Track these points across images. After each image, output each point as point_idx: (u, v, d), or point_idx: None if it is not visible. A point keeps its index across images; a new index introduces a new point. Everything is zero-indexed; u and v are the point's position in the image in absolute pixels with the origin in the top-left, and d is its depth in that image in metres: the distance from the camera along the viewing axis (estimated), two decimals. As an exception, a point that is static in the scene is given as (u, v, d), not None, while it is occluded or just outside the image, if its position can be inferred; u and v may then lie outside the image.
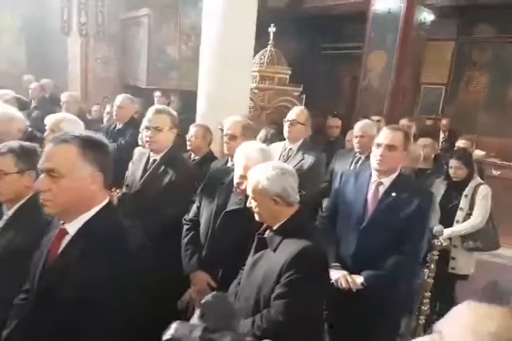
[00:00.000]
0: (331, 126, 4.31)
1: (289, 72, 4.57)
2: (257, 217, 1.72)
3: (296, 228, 1.66)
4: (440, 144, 6.21)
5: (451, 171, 3.16)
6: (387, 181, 2.20)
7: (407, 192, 2.16)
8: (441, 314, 2.95)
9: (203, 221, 2.10)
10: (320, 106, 6.43)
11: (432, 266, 2.67)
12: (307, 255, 1.57)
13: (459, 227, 3.07)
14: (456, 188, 3.16)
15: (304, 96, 4.69)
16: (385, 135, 2.19)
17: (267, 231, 1.73)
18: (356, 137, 3.11)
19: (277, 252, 1.64)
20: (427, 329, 3.26)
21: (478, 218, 3.04)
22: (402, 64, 5.78)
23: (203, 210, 2.14)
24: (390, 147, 2.15)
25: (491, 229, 3.12)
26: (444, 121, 6.28)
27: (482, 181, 3.16)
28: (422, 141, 3.51)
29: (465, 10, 6.62)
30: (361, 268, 2.14)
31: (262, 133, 3.39)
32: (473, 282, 4.11)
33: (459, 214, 3.10)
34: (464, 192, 3.11)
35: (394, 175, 2.21)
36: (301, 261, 1.56)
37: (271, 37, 4.48)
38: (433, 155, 3.50)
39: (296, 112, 2.90)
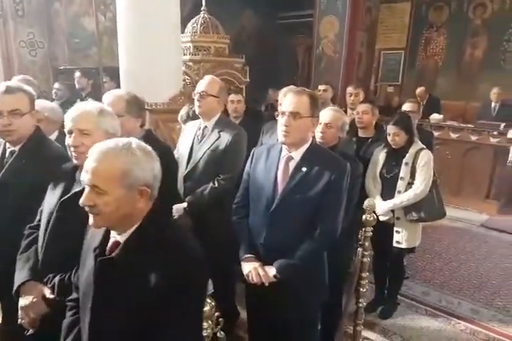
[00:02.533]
0: (274, 99, 3.93)
1: (228, 41, 4.12)
2: (97, 221, 1.19)
3: (157, 236, 1.19)
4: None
5: (389, 138, 2.83)
6: (297, 155, 1.86)
7: (319, 166, 1.83)
8: (391, 290, 2.72)
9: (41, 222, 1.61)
10: (274, 78, 6.00)
11: (366, 243, 2.38)
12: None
13: (401, 198, 2.77)
14: (395, 156, 2.84)
15: (247, 68, 4.25)
16: (288, 101, 1.83)
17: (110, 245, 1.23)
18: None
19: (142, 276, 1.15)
20: (371, 310, 3.07)
21: (420, 187, 2.73)
22: (355, 28, 5.34)
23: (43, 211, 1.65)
24: (295, 114, 1.79)
25: (435, 197, 2.82)
26: (418, 90, 5.90)
27: (423, 146, 2.83)
28: (360, 107, 3.15)
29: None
30: (274, 257, 1.83)
31: (183, 111, 2.98)
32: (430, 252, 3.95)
33: (400, 184, 2.79)
34: (404, 160, 2.79)
35: (304, 147, 1.87)
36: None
37: (203, 2, 3.99)
38: (374, 122, 3.15)
39: (206, 82, 2.45)
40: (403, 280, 3.13)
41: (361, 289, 2.43)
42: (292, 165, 1.85)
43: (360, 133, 3.19)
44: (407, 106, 3.53)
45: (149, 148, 1.29)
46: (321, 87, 4.08)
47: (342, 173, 1.84)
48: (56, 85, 4.99)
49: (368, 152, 3.05)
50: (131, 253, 1.17)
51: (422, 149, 2.80)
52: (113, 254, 1.19)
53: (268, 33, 6.78)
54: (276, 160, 1.89)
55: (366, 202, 2.30)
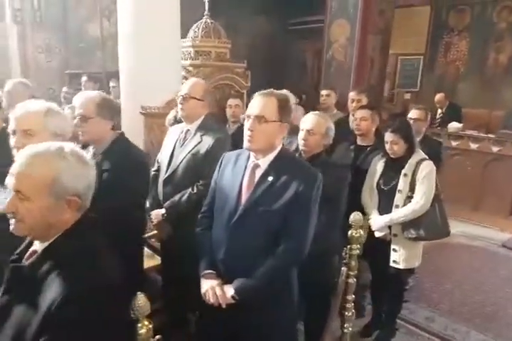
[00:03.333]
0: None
1: (229, 45, 3.96)
2: (18, 228, 1.09)
3: (72, 250, 1.08)
4: (437, 121, 5.59)
5: (387, 147, 2.55)
6: (264, 162, 1.65)
7: (287, 175, 1.61)
8: (388, 314, 2.42)
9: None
10: (285, 84, 5.79)
11: (353, 262, 2.11)
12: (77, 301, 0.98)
13: (398, 213, 2.47)
14: (394, 167, 2.56)
15: (249, 72, 4.07)
16: (254, 104, 1.63)
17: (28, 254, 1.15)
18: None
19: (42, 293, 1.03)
20: (367, 335, 2.76)
21: (419, 202, 2.43)
22: (366, 32, 5.08)
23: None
24: (260, 118, 1.58)
25: (438, 213, 2.51)
26: (437, 97, 5.58)
27: (425, 157, 2.53)
28: (359, 113, 2.89)
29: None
30: (234, 275, 1.62)
31: (170, 115, 2.83)
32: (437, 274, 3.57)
33: (398, 198, 2.50)
34: (403, 171, 2.50)
35: (272, 155, 1.66)
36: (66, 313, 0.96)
37: (206, 7, 3.86)
38: (373, 130, 2.88)
39: (189, 85, 2.30)
40: (402, 303, 2.81)
41: (346, 313, 2.15)
42: (258, 173, 1.65)
43: (359, 141, 2.92)
44: (413, 114, 3.24)
45: (84, 154, 1.16)
46: (323, 92, 3.84)
47: (311, 184, 1.61)
48: (64, 89, 5.01)
49: (366, 161, 2.78)
50: (41, 264, 1.07)
51: (423, 160, 2.51)
52: (26, 262, 1.12)
53: (279, 38, 6.60)
54: (243, 168, 1.69)
55: (352, 217, 2.04)
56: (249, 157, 1.69)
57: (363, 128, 2.86)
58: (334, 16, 5.26)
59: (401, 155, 2.53)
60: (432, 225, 2.48)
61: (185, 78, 3.69)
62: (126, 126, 3.20)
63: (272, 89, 1.69)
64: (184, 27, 3.84)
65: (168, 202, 2.24)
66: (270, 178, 1.62)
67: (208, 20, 3.92)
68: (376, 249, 2.56)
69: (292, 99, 4.19)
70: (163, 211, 2.24)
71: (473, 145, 4.92)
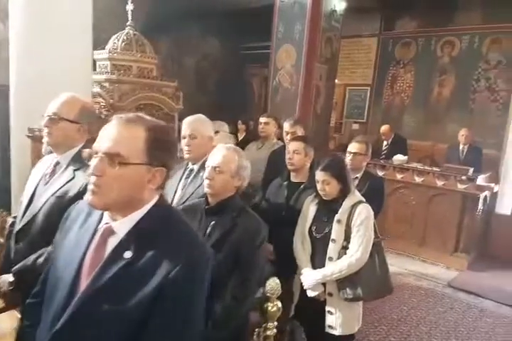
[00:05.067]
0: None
1: (155, 61, 3.45)
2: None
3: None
4: (383, 153, 5.29)
5: (318, 187, 2.10)
6: (122, 227, 1.01)
7: (156, 250, 0.98)
8: None
9: None
10: (230, 110, 5.36)
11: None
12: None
13: (332, 268, 1.99)
14: (327, 210, 2.10)
15: (180, 93, 3.57)
16: (104, 135, 1.05)
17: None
18: (184, 138, 2.04)
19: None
20: None
21: (355, 254, 1.97)
22: (313, 60, 4.75)
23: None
24: (113, 157, 1.00)
25: (377, 266, 2.05)
26: (382, 128, 5.31)
27: (361, 199, 2.09)
28: (291, 145, 2.44)
29: (387, 3, 5.73)
30: None
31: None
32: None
33: (332, 248, 2.03)
34: (336, 216, 2.04)
35: (137, 215, 1.02)
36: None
37: (129, 17, 3.34)
38: (308, 165, 2.43)
39: (60, 101, 1.69)
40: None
41: None
42: (111, 245, 1.01)
43: (292, 177, 2.46)
44: (352, 147, 2.82)
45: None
46: (262, 120, 3.39)
47: (194, 264, 0.98)
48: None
49: (300, 201, 2.31)
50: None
51: (359, 203, 2.06)
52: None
53: (230, 62, 6.22)
54: (90, 233, 1.05)
55: (267, 285, 1.52)
56: (102, 215, 1.07)
57: (295, 162, 2.41)
58: (281, 41, 4.93)
59: (334, 197, 2.08)
60: (372, 282, 2.01)
61: (99, 95, 3.13)
62: (14, 152, 2.57)
63: (140, 114, 1.13)
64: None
65: (19, 265, 1.57)
66: (128, 254, 0.97)
67: (131, 32, 3.38)
68: (309, 311, 2.06)
69: (223, 127, 3.73)
70: (11, 278, 1.57)
71: (418, 179, 4.63)
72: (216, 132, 3.24)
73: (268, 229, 1.71)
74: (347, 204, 2.05)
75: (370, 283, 1.99)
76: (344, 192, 2.06)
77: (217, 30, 6.01)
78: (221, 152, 1.64)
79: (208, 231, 1.55)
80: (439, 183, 4.54)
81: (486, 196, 4.63)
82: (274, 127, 3.39)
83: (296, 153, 2.40)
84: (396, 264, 4.38)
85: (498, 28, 5.00)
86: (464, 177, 4.46)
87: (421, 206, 4.62)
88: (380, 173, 4.90)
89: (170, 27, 5.26)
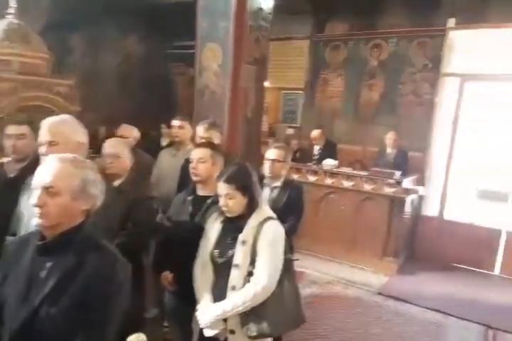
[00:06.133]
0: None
1: (46, 56, 2.91)
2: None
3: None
4: (315, 158, 5.07)
5: (221, 202, 1.75)
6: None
7: None
8: None
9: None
10: (154, 113, 4.90)
11: None
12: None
13: (234, 301, 1.65)
14: (232, 230, 1.75)
15: (76, 93, 3.05)
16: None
17: None
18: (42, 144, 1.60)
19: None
20: None
21: (261, 281, 1.64)
22: (240, 60, 4.40)
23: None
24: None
25: (286, 294, 1.73)
26: (313, 133, 5.11)
27: (271, 215, 1.78)
28: (195, 153, 2.08)
29: (317, 5, 5.56)
30: None
31: None
32: None
33: (235, 276, 1.69)
34: (241, 237, 1.70)
35: None
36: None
37: (11, 3, 2.78)
38: (216, 175, 2.08)
39: None
40: None
41: None
42: None
43: (198, 191, 2.09)
44: (271, 154, 2.53)
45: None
46: (175, 123, 3.00)
47: None
48: None
49: (206, 218, 1.95)
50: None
51: (268, 219, 1.74)
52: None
53: (155, 62, 5.73)
54: None
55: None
56: None
57: (200, 172, 2.04)
58: (205, 39, 4.53)
59: (240, 214, 1.74)
60: (280, 314, 1.70)
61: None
62: None
63: None
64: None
65: None
66: None
67: (14, 21, 2.82)
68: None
69: (131, 132, 3.25)
70: None
71: (348, 184, 4.47)
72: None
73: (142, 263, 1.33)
74: (253, 221, 1.72)
75: (278, 315, 1.68)
76: (251, 208, 1.73)
77: (140, 27, 5.50)
78: (52, 165, 1.17)
79: (43, 276, 1.11)
80: (368, 187, 4.41)
81: (412, 199, 4.58)
82: (190, 131, 3.00)
83: (201, 162, 2.04)
84: (325, 271, 4.19)
85: (424, 31, 4.99)
86: (391, 181, 4.38)
87: (350, 211, 4.46)
88: (312, 179, 4.70)
89: (85, 23, 4.69)
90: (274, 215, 1.79)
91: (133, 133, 3.11)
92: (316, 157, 5.08)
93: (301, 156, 5.18)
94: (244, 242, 1.69)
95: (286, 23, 5.61)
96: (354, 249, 4.44)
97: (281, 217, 1.90)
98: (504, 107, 4.69)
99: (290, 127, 6.14)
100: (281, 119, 6.28)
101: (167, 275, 1.96)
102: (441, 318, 3.45)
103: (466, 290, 4.04)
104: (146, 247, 2.17)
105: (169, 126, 4.64)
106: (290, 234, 2.40)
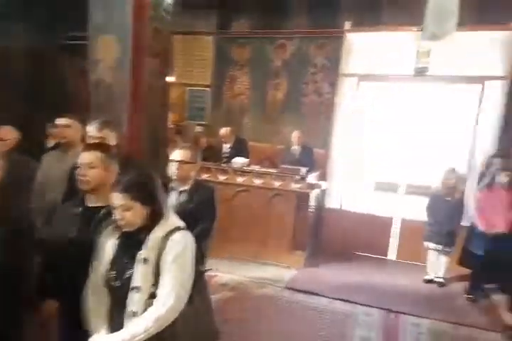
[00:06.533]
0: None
1: None
2: None
3: None
4: (225, 156, 4.90)
5: (116, 214, 1.50)
6: None
7: None
8: None
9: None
10: (44, 110, 4.27)
11: None
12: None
13: (135, 328, 1.43)
14: (130, 247, 1.52)
15: None
16: None
17: None
18: None
19: None
20: None
21: (167, 301, 1.45)
22: (140, 52, 4.05)
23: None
24: None
25: (198, 312, 1.57)
26: (222, 131, 4.94)
27: (179, 225, 1.58)
28: (84, 156, 1.78)
29: (223, 1, 5.42)
30: None
31: None
32: None
33: (135, 300, 1.46)
34: (141, 254, 1.48)
35: None
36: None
37: None
38: (110, 184, 1.80)
39: None
40: None
41: None
42: None
43: (89, 201, 1.80)
44: (177, 155, 2.33)
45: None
46: (59, 121, 2.60)
47: None
48: None
49: (99, 234, 1.67)
50: None
51: (175, 231, 1.54)
52: None
53: (47, 53, 5.03)
54: None
55: None
56: None
57: (90, 179, 1.76)
58: (99, 29, 4.08)
59: (140, 227, 1.51)
60: (190, 334, 1.52)
61: None
62: None
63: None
64: None
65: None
66: None
67: None
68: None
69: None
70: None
71: (258, 181, 4.44)
72: None
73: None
74: (157, 234, 1.50)
75: (188, 335, 1.50)
76: (154, 219, 1.52)
77: (30, 16, 4.78)
78: None
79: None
80: (277, 184, 4.44)
81: (317, 193, 4.74)
82: (80, 131, 2.63)
83: (90, 168, 1.75)
84: (237, 272, 4.10)
85: (324, 32, 5.16)
86: (297, 177, 4.47)
87: (261, 208, 4.46)
88: (222, 178, 4.57)
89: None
90: (182, 224, 1.60)
91: (12, 134, 2.63)
92: (226, 155, 4.96)
93: (211, 155, 5.03)
94: (145, 260, 1.47)
95: (192, 17, 5.38)
96: (266, 245, 4.45)
97: (192, 223, 1.72)
98: (396, 105, 5.10)
99: (198, 125, 5.92)
100: (188, 117, 6.03)
101: (51, 304, 1.65)
102: (348, 307, 3.60)
103: (368, 277, 4.31)
104: (25, 270, 1.81)
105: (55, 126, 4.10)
106: (203, 239, 2.25)
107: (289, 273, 4.21)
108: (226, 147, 5.06)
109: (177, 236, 1.52)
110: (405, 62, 4.83)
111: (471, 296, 3.97)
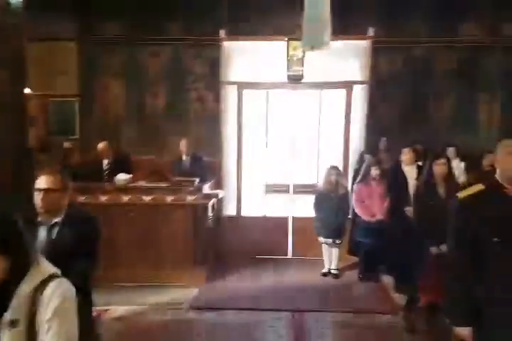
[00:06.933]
0: None
1: None
2: None
3: None
4: (105, 174, 4.37)
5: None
6: None
7: None
8: None
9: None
10: None
11: None
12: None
13: None
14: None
15: None
16: None
17: None
18: None
19: None
20: None
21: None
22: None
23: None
24: None
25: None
26: (99, 146, 4.43)
27: (54, 272, 1.27)
28: None
29: (84, 5, 4.93)
30: None
31: None
32: None
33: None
34: (7, 317, 1.14)
35: None
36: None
37: None
38: None
39: None
40: None
41: None
42: None
43: None
44: (42, 182, 1.93)
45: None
46: None
47: None
48: None
49: None
50: None
51: (48, 280, 1.23)
52: None
53: None
54: None
55: None
56: None
57: None
58: None
59: (1, 284, 1.18)
60: None
61: None
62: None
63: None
64: None
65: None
66: None
67: None
68: None
69: None
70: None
71: (147, 198, 4.12)
72: None
73: None
74: (26, 289, 1.17)
75: None
76: (18, 272, 1.19)
77: None
78: None
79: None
80: (169, 199, 4.18)
81: (213, 203, 4.64)
82: None
83: None
84: (133, 301, 3.72)
85: (199, 40, 5.06)
86: (191, 189, 4.29)
87: (154, 227, 4.13)
88: (104, 198, 4.12)
89: None
90: (56, 271, 1.29)
91: None
92: (107, 173, 4.50)
93: (88, 173, 4.49)
94: (14, 323, 1.14)
95: (53, 22, 4.77)
96: (163, 267, 4.11)
97: (69, 263, 1.43)
98: (276, 111, 5.29)
99: (67, 140, 5.27)
100: (54, 131, 5.31)
101: None
102: (256, 316, 3.55)
103: (271, 281, 4.35)
104: None
105: None
106: (85, 280, 1.92)
107: (190, 293, 3.97)
108: (105, 163, 4.59)
109: (51, 287, 1.20)
110: (281, 70, 5.07)
111: (361, 276, 4.38)
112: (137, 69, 5.17)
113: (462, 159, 4.87)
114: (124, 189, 4.11)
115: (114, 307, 3.56)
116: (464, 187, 1.96)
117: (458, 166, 4.73)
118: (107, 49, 5.14)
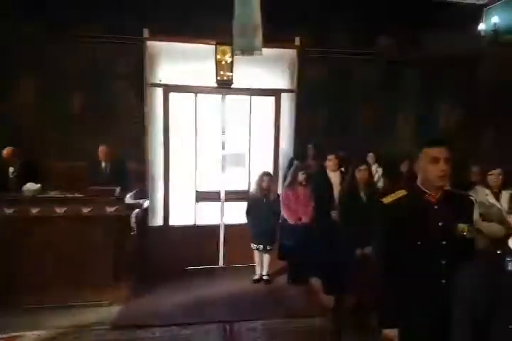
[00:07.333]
0: None
1: None
2: None
3: None
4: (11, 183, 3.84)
5: None
6: None
7: None
8: None
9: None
10: None
11: None
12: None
13: None
14: None
15: None
16: None
17: None
18: None
19: None
20: None
21: None
22: None
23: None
24: None
25: None
26: (5, 151, 3.89)
27: None
28: None
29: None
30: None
31: None
32: None
33: None
34: None
35: None
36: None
37: None
38: None
39: None
40: None
41: None
42: None
43: None
44: None
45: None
46: None
47: None
48: None
49: None
50: None
51: None
52: None
53: None
54: None
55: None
56: None
57: None
58: None
59: None
60: None
61: None
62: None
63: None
64: None
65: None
66: None
67: None
68: None
69: None
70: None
71: (60, 210, 3.71)
72: None
73: None
74: None
75: None
76: None
77: None
78: None
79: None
80: (86, 210, 3.80)
81: (137, 213, 4.33)
82: None
83: None
84: (46, 325, 3.31)
85: (121, 39, 4.70)
86: (112, 198, 3.95)
87: (68, 241, 3.72)
88: (9, 211, 3.64)
89: None
90: None
91: None
92: (13, 182, 3.99)
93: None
94: None
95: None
96: (80, 285, 3.71)
97: None
98: (205, 116, 5.14)
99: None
100: None
101: None
102: (187, 330, 3.36)
103: (201, 292, 4.16)
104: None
105: None
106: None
107: (113, 311, 3.65)
108: (11, 171, 4.07)
109: None
110: (210, 74, 4.94)
111: (290, 281, 4.42)
112: (53, 67, 4.69)
113: (380, 165, 5.18)
114: (34, 200, 3.66)
115: (22, 333, 3.14)
116: (385, 192, 2.03)
117: (376, 171, 5.04)
118: (25, 48, 4.58)
